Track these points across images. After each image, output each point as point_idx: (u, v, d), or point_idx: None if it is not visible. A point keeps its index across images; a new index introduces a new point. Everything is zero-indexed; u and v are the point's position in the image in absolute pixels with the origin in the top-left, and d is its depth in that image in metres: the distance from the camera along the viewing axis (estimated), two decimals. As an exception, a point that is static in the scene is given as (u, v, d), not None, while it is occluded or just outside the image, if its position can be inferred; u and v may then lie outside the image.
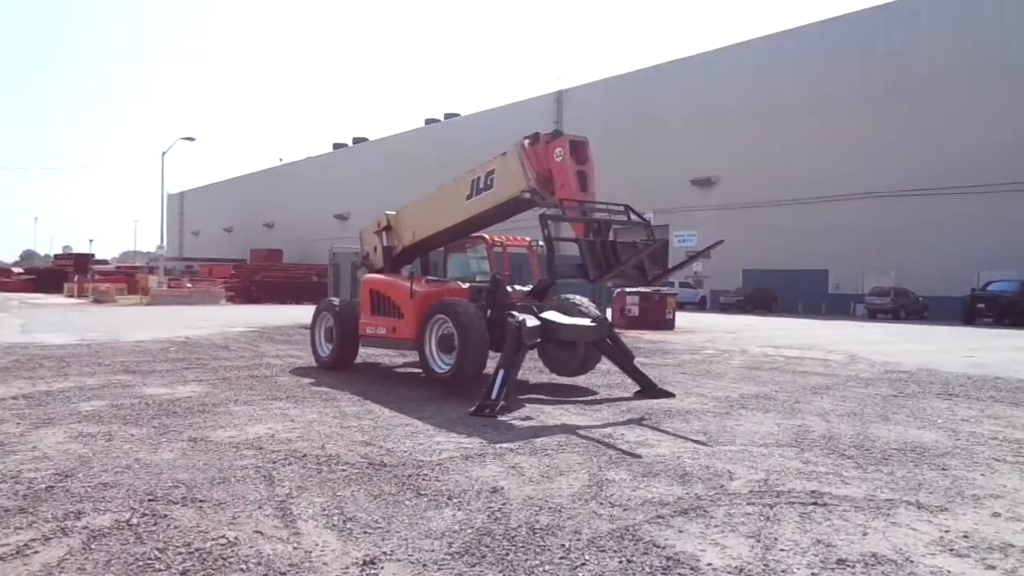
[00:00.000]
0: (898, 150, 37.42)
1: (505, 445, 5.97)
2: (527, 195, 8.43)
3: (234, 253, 73.71)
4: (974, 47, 35.65)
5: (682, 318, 24.64)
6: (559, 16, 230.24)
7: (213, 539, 3.75)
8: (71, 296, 40.19)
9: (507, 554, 3.67)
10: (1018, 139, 33.60)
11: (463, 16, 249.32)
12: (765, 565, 3.59)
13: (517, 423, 6.97)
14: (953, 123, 35.82)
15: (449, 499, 4.50)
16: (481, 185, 9.00)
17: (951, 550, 3.86)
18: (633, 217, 8.22)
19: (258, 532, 3.87)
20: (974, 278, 33.39)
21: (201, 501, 4.34)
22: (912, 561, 3.68)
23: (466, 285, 9.69)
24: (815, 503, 4.58)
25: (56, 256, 70.23)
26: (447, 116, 69.69)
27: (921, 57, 37.62)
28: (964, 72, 35.70)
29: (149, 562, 3.45)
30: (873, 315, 34.48)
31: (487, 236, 10.01)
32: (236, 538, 3.77)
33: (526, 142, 8.44)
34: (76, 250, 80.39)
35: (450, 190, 9.74)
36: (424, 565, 3.50)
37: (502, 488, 4.76)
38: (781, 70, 42.69)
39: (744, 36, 50.19)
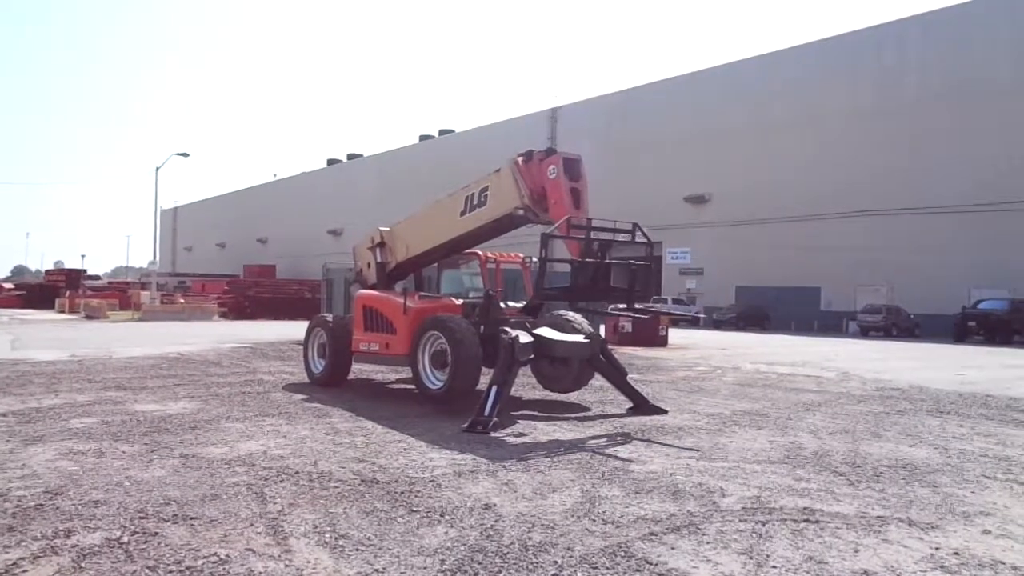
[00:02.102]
0: (889, 170, 37.71)
1: (498, 462, 5.97)
2: (520, 212, 8.48)
3: (227, 269, 73.54)
4: (963, 69, 36.08)
5: (675, 335, 24.67)
6: (554, 34, 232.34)
7: (204, 557, 3.73)
8: (62, 312, 39.94)
9: (500, 571, 3.66)
10: (1008, 159, 33.94)
11: (458, 33, 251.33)
12: (757, 582, 3.59)
13: (510, 440, 6.96)
14: (943, 143, 36.16)
15: (442, 516, 4.50)
16: (475, 202, 9.05)
17: (942, 567, 3.88)
18: (639, 236, 8.15)
19: (250, 550, 3.85)
20: (965, 296, 33.57)
21: (192, 518, 4.32)
22: (903, 578, 3.69)
23: (459, 301, 9.70)
24: (807, 520, 4.59)
25: (47, 271, 69.86)
26: (441, 132, 69.95)
27: (911, 78, 38.04)
28: (953, 93, 36.10)
29: (139, 580, 3.44)
30: (865, 332, 34.60)
31: (480, 252, 10.03)
32: (227, 556, 3.75)
33: (520, 159, 8.50)
34: (68, 265, 79.99)
35: (444, 206, 9.79)
36: (416, 583, 3.50)
37: (495, 505, 4.75)
38: (774, 89, 43.07)
39: (737, 56, 50.66)
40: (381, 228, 10.93)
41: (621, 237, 8.15)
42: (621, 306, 8.58)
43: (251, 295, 40.74)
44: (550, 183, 8.17)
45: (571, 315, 9.57)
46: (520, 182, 8.40)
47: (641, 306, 8.40)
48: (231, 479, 5.23)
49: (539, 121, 55.39)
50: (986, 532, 4.48)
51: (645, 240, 8.09)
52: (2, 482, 5.03)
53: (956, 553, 4.08)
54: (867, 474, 5.89)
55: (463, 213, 9.23)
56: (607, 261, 7.92)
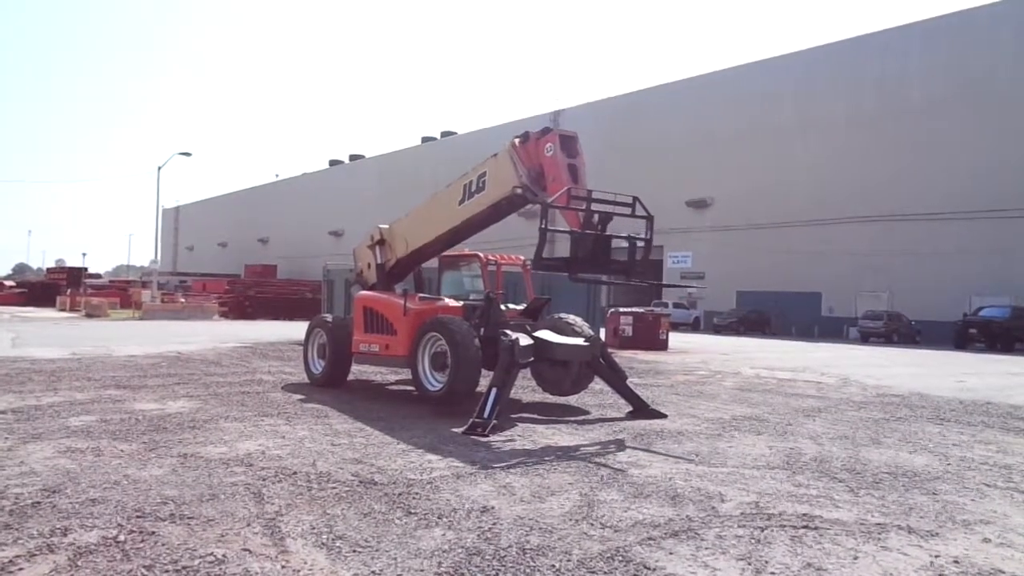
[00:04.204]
0: (891, 175, 37.73)
1: (496, 464, 5.96)
2: (519, 191, 8.44)
3: (228, 268, 73.58)
4: (966, 75, 36.11)
5: (675, 339, 24.66)
6: (557, 37, 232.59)
7: (201, 557, 3.72)
8: (63, 310, 39.97)
9: (497, 574, 3.65)
10: (1010, 165, 33.95)
11: (461, 35, 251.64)
12: (755, 588, 3.58)
13: (509, 442, 6.95)
14: (944, 150, 36.18)
15: (439, 518, 4.49)
16: (473, 188, 9.06)
17: (941, 575, 3.86)
18: (639, 210, 7.98)
19: (246, 550, 3.84)
20: (966, 303, 33.55)
21: (190, 518, 4.31)
22: (902, 586, 3.68)
23: (460, 303, 9.69)
24: (806, 526, 4.57)
25: (49, 269, 69.92)
26: (444, 134, 70.01)
27: (914, 84, 38.07)
28: (955, 100, 36.12)
29: (135, 579, 3.42)
30: (866, 338, 34.57)
31: (481, 255, 10.03)
32: (224, 556, 3.74)
33: (516, 141, 8.54)
34: (69, 263, 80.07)
35: (443, 197, 9.79)
36: (413, 585, 3.48)
37: (493, 507, 4.74)
38: (776, 94, 43.11)
39: (741, 60, 50.67)
40: (380, 226, 10.94)
41: (619, 209, 8.09)
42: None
43: (252, 295, 40.70)
44: (547, 160, 8.18)
45: (571, 318, 9.56)
46: (518, 162, 8.42)
47: (638, 281, 8.33)
48: (229, 479, 5.22)
49: (541, 123, 54.80)
50: (986, 540, 4.46)
51: (645, 215, 8.04)
52: (0, 480, 5.02)
53: (956, 561, 4.06)
54: (867, 481, 5.87)
55: (462, 201, 9.23)
56: (607, 234, 7.88)
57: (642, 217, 7.97)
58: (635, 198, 7.93)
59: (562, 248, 8.12)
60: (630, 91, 52.32)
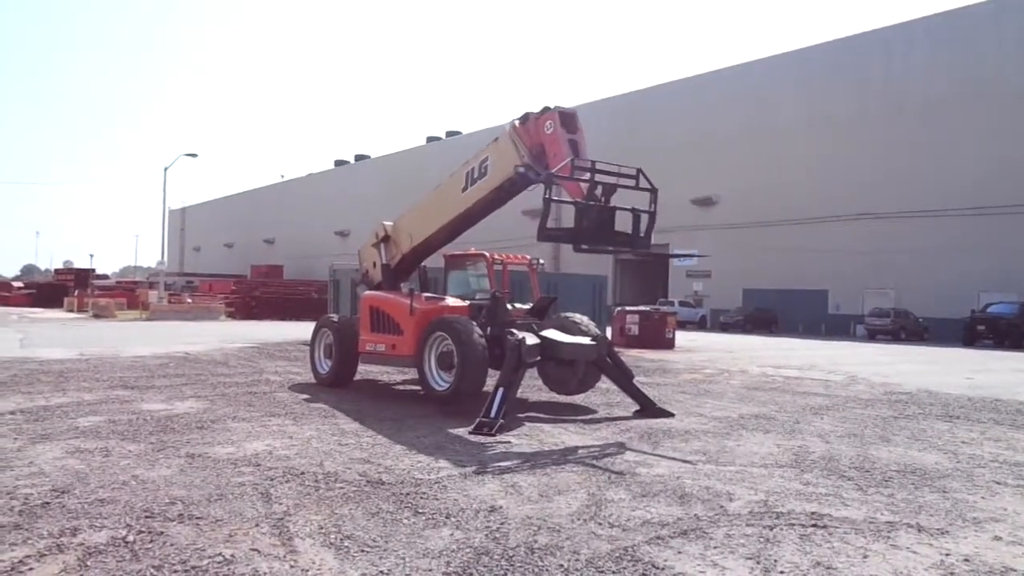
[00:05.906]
0: (897, 172, 37.56)
1: (504, 464, 5.96)
2: (521, 170, 8.41)
3: (235, 269, 73.78)
4: (971, 71, 35.91)
5: (682, 337, 24.61)
6: (561, 36, 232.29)
7: (209, 557, 3.73)
8: (71, 311, 40.13)
9: (505, 574, 3.65)
10: (1016, 162, 33.75)
11: (465, 35, 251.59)
12: (765, 587, 3.56)
13: (516, 442, 6.94)
14: (951, 146, 35.99)
15: (447, 518, 4.48)
16: (476, 175, 9.08)
17: (952, 574, 3.84)
18: (643, 183, 7.98)
19: (255, 550, 3.85)
20: (974, 300, 33.38)
21: (198, 518, 4.32)
22: (913, 584, 3.66)
23: (466, 302, 9.69)
24: (815, 525, 4.56)
25: (57, 271, 70.15)
26: (449, 134, 70.02)
27: (918, 81, 37.87)
28: (961, 96, 35.92)
29: (145, 580, 3.43)
30: (873, 336, 34.42)
31: (487, 254, 10.02)
32: (232, 556, 3.75)
33: (516, 123, 8.55)
34: (77, 265, 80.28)
35: (445, 187, 9.81)
36: (421, 585, 3.48)
37: (500, 507, 4.74)
38: (781, 91, 42.95)
39: (744, 58, 50.55)
40: (385, 222, 10.94)
41: (623, 181, 8.01)
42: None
43: (258, 295, 40.76)
44: (547, 138, 8.20)
45: (578, 317, 9.55)
46: (519, 143, 8.44)
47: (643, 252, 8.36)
48: (237, 479, 5.23)
49: (546, 123, 55.22)
50: (997, 538, 4.44)
51: (648, 187, 7.94)
52: (9, 480, 5.04)
53: (966, 560, 4.04)
54: (876, 479, 5.84)
55: (465, 189, 9.24)
56: (611, 206, 7.87)
57: (646, 189, 7.96)
58: (639, 170, 7.92)
59: (568, 225, 8.05)
60: (632, 90, 52.19)
